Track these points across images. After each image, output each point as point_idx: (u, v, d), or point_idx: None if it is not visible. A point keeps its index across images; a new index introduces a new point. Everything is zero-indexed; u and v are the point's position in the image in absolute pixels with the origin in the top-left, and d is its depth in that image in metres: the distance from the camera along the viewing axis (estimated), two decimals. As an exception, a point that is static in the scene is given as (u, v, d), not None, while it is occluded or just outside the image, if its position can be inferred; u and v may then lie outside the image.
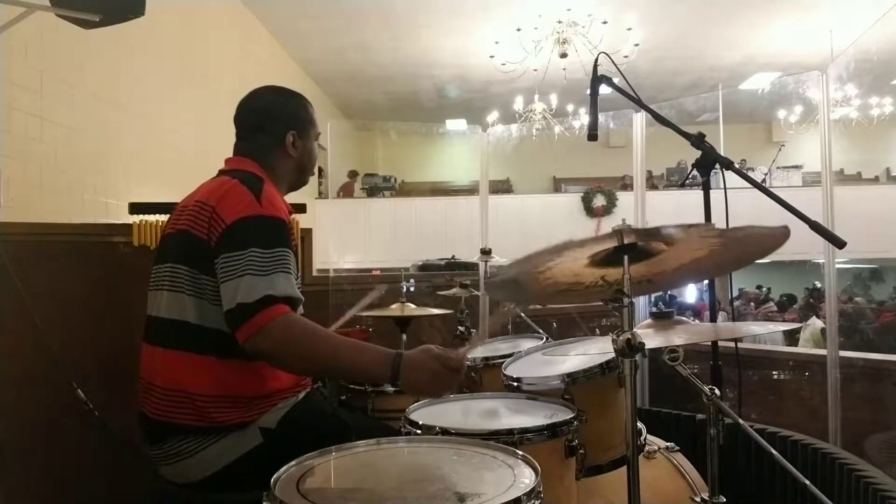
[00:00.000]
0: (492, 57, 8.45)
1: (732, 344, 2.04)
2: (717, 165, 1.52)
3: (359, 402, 2.03)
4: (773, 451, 1.30)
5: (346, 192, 11.33)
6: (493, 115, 10.66)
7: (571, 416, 1.37)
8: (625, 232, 1.09)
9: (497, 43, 8.21)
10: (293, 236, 1.49)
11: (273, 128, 1.62)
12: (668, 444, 1.87)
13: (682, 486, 1.74)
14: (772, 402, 3.32)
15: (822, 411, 2.79)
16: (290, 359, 1.36)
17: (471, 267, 4.16)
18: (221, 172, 1.59)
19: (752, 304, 10.50)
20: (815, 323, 7.25)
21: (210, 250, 1.40)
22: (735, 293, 10.42)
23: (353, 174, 11.52)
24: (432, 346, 1.37)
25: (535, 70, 7.98)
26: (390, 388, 1.97)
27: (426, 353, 1.35)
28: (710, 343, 1.63)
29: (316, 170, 10.40)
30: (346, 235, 9.69)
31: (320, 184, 10.37)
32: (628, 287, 1.14)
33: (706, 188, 1.59)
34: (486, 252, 3.10)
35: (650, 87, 10.16)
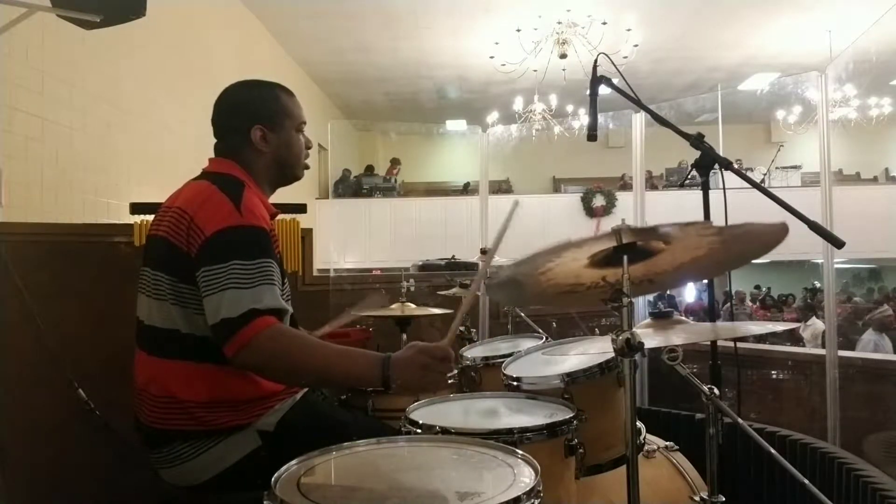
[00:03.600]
0: (491, 57, 8.47)
1: (731, 343, 2.05)
2: (717, 166, 1.53)
3: (359, 401, 2.03)
4: (772, 451, 1.30)
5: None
6: (492, 116, 10.67)
7: (571, 415, 1.38)
8: (622, 231, 1.09)
9: (497, 43, 8.22)
10: (276, 243, 1.46)
11: (238, 125, 1.54)
12: (668, 443, 1.87)
13: (682, 485, 1.74)
14: (771, 401, 3.33)
15: (821, 411, 2.80)
16: (279, 371, 1.35)
17: (471, 267, 4.17)
18: (204, 173, 1.56)
19: (747, 304, 10.53)
20: (817, 324, 7.26)
21: (190, 261, 1.37)
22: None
23: (395, 161, 11.88)
24: (417, 342, 1.37)
25: (535, 70, 7.99)
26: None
27: (412, 349, 1.36)
28: (708, 343, 1.63)
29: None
30: (346, 235, 9.70)
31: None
32: (627, 287, 1.14)
33: (705, 188, 1.59)
34: (486, 252, 3.10)
35: (649, 87, 10.16)
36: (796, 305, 9.81)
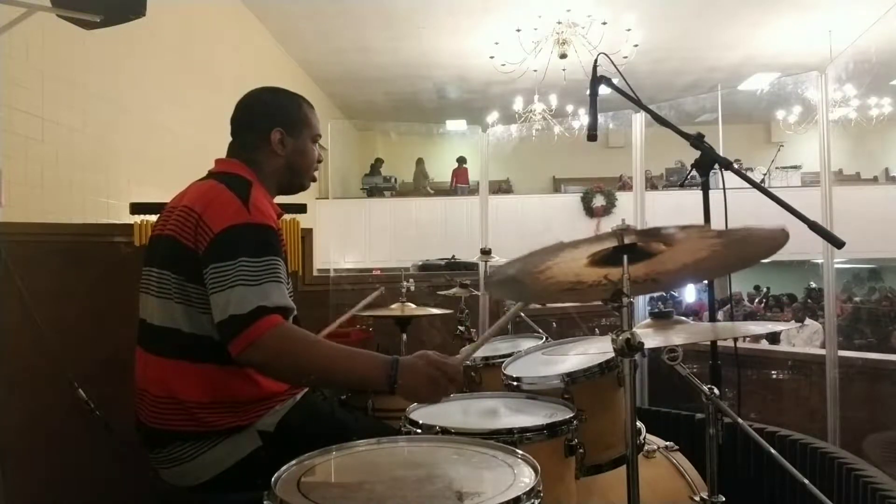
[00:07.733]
0: (491, 57, 8.46)
1: (731, 343, 2.05)
2: (717, 166, 1.53)
3: (359, 401, 2.04)
4: (772, 451, 1.30)
5: (459, 178, 11.69)
6: (492, 116, 10.67)
7: (571, 415, 1.38)
8: (621, 232, 1.09)
9: (497, 43, 8.21)
10: (282, 241, 1.47)
11: (259, 124, 1.56)
12: (668, 443, 1.87)
13: (682, 485, 1.74)
14: (771, 401, 3.33)
15: (821, 411, 2.80)
16: (284, 370, 1.35)
17: (471, 267, 4.16)
18: (210, 174, 1.56)
19: (746, 304, 10.51)
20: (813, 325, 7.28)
21: (197, 259, 1.38)
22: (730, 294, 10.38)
23: (462, 160, 11.76)
24: (429, 352, 1.36)
25: (535, 71, 7.98)
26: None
27: (423, 359, 1.33)
28: (709, 343, 1.63)
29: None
30: (346, 235, 9.69)
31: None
32: (627, 287, 1.14)
33: (705, 188, 1.59)
34: (486, 252, 3.10)
35: (649, 87, 10.16)
36: (794, 306, 9.79)
